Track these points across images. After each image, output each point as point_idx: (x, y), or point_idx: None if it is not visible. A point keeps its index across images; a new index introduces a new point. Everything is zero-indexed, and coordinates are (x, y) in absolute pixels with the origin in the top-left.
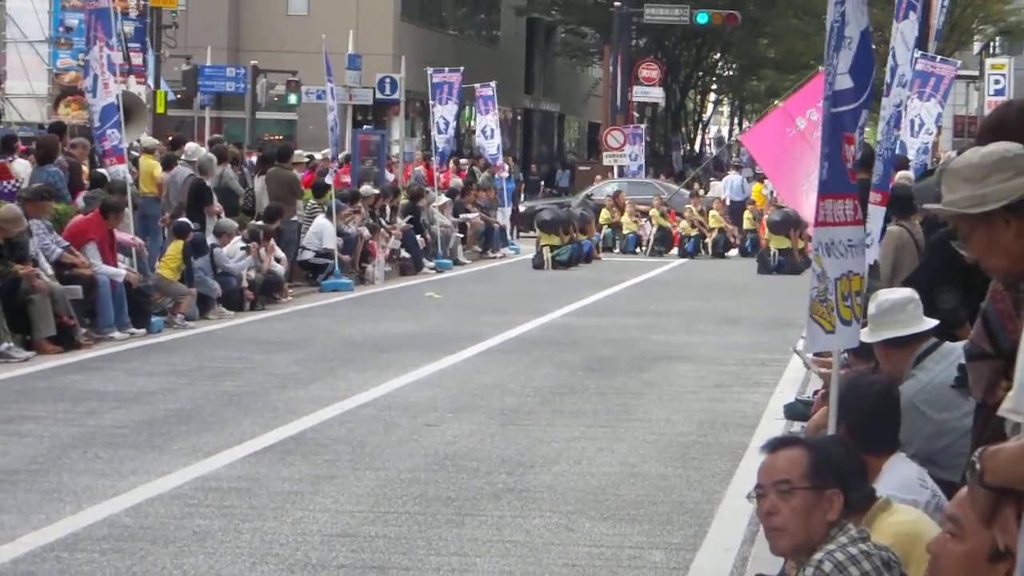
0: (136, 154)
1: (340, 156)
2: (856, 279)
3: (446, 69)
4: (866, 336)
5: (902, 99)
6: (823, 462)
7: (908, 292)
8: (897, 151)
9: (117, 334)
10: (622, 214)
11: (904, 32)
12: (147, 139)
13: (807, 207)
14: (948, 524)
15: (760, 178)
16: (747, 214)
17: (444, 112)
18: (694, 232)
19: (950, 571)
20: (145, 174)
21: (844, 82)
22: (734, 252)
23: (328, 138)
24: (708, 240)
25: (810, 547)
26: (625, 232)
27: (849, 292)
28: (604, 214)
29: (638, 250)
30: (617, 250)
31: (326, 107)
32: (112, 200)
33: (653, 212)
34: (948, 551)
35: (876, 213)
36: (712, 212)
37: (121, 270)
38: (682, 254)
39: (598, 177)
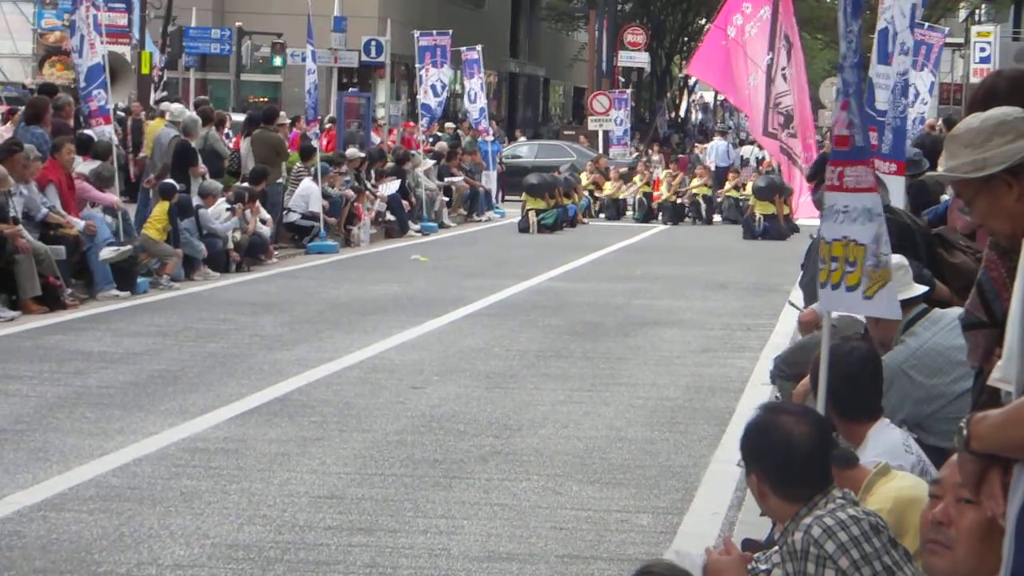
0: (121, 114)
1: (326, 119)
2: (836, 245)
3: (434, 32)
4: None
5: (906, 67)
6: (744, 444)
7: (898, 258)
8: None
9: (110, 292)
10: (605, 179)
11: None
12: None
13: (755, 110)
14: (964, 491)
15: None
16: (729, 182)
17: (440, 75)
18: (675, 198)
19: (967, 537)
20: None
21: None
22: (718, 218)
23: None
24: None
25: (779, 518)
26: (607, 193)
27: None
28: (585, 179)
29: (628, 212)
30: (603, 215)
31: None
32: (59, 140)
33: (636, 179)
34: (964, 517)
35: (891, 183)
36: (695, 180)
37: (81, 221)
38: (664, 214)
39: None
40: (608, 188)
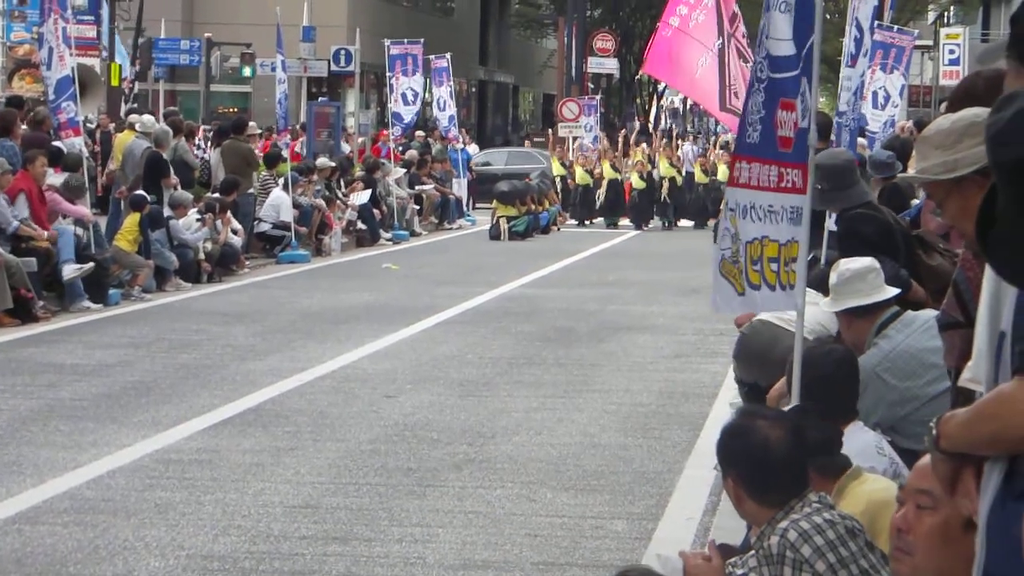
0: (91, 127)
1: (296, 126)
2: (772, 245)
3: (405, 41)
4: (828, 306)
5: (864, 70)
6: (720, 448)
7: (869, 261)
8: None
9: (82, 304)
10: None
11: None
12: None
13: (710, 87)
14: (921, 497)
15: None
16: (697, 166)
17: (412, 84)
18: (643, 184)
19: (925, 543)
20: None
21: (786, 48)
22: (688, 223)
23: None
24: (663, 191)
25: (755, 522)
26: (579, 182)
27: (760, 257)
28: (555, 165)
29: (588, 223)
30: (571, 219)
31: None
32: (31, 153)
33: (604, 164)
34: (921, 523)
35: None
36: (662, 158)
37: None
38: (632, 212)
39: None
40: (579, 174)
